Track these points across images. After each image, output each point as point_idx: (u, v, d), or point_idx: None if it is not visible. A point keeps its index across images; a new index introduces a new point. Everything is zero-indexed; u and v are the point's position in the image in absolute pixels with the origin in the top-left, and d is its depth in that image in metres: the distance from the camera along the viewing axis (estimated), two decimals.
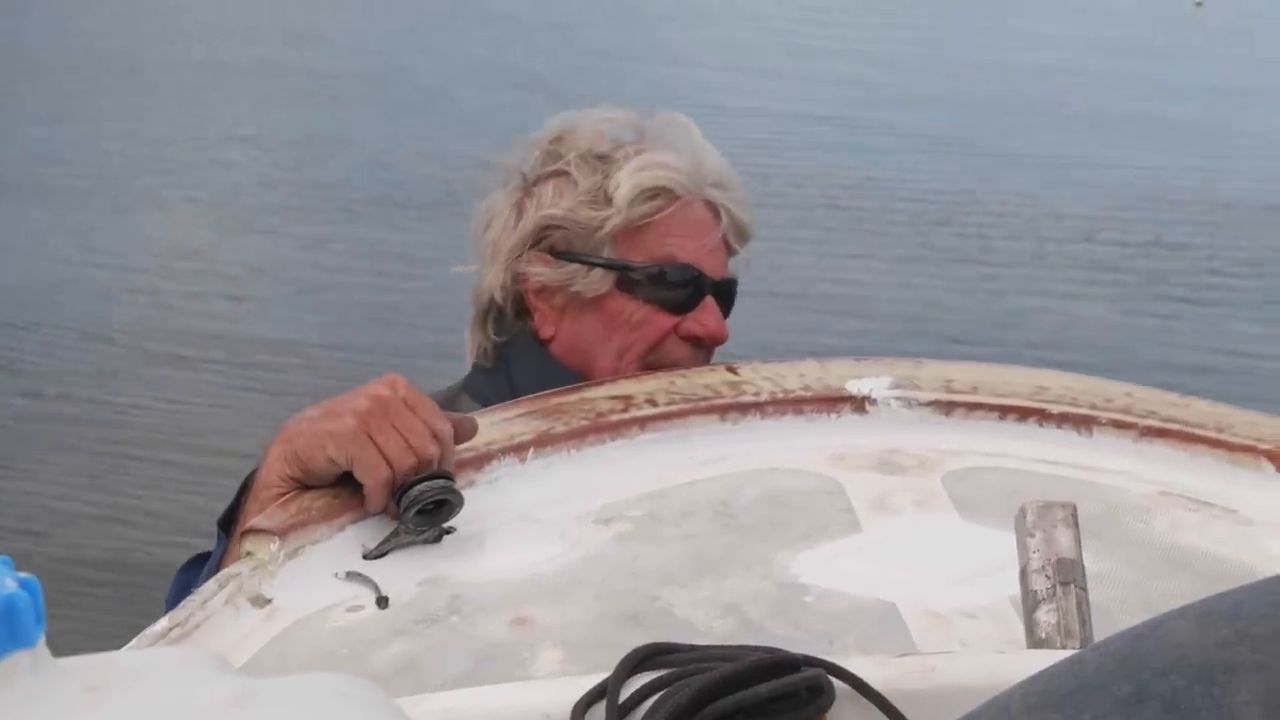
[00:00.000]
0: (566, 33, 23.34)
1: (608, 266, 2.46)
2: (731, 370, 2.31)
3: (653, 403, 2.20)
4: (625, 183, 2.45)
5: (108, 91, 18.80)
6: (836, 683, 1.37)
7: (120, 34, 22.47)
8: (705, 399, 2.21)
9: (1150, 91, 22.51)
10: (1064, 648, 1.44)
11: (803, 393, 2.24)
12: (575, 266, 2.47)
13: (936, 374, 2.30)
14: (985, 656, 1.48)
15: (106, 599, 7.02)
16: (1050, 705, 0.98)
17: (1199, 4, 31.84)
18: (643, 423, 2.16)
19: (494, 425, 2.11)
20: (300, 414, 1.98)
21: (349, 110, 18.24)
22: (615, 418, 2.15)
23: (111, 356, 10.69)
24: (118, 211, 13.82)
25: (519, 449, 2.07)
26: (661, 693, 1.30)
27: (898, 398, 2.24)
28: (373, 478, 1.87)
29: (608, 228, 2.46)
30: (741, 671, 1.32)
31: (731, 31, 25.36)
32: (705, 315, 2.49)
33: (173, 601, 2.10)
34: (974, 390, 2.26)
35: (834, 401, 2.23)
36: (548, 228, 2.49)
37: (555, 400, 2.21)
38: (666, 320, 2.47)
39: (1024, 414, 2.22)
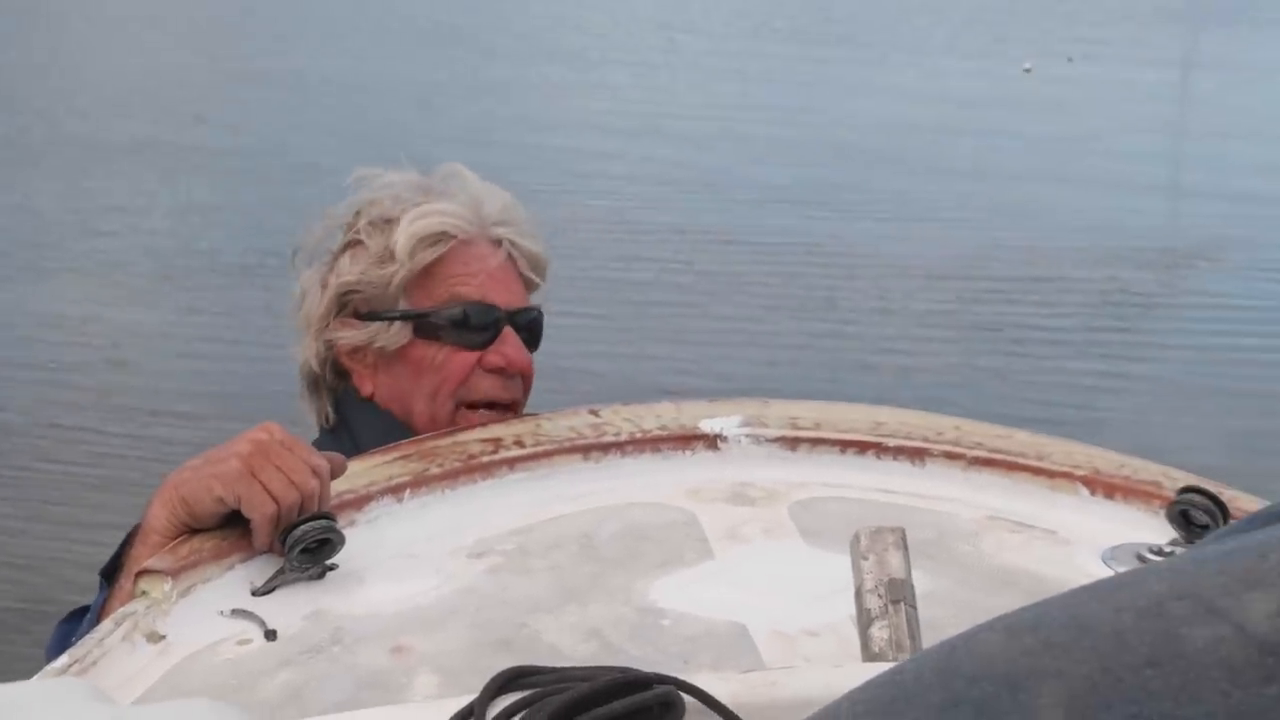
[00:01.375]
0: (430, 108, 23.31)
1: (404, 317, 2.49)
2: (593, 413, 2.32)
3: (520, 444, 2.20)
4: (402, 235, 2.48)
5: (20, 161, 18.65)
6: (687, 698, 1.38)
7: (42, 103, 22.31)
8: (569, 440, 2.22)
9: (984, 147, 22.77)
10: (895, 660, 1.46)
11: (659, 432, 2.25)
12: (377, 324, 2.49)
13: (782, 412, 2.32)
14: (823, 670, 1.49)
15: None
16: (874, 712, 0.99)
17: (1028, 69, 32.24)
18: (511, 463, 2.16)
19: (373, 468, 2.11)
20: (182, 465, 1.98)
21: (223, 181, 18.20)
22: (486, 459, 2.16)
23: (26, 404, 10.61)
24: (25, 281, 13.70)
25: (396, 489, 2.07)
26: (524, 712, 1.31)
27: (747, 435, 2.26)
28: (259, 513, 1.87)
29: (396, 281, 2.49)
30: (598, 690, 1.33)
31: (588, 101, 25.43)
32: (505, 346, 2.51)
33: (54, 651, 2.09)
34: (817, 426, 2.28)
35: (688, 440, 2.25)
36: (347, 293, 2.51)
37: (430, 444, 2.22)
38: (468, 357, 2.49)
39: (863, 447, 2.24)
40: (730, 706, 1.38)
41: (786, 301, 13.75)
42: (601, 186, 17.38)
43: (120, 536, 2.10)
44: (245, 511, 1.88)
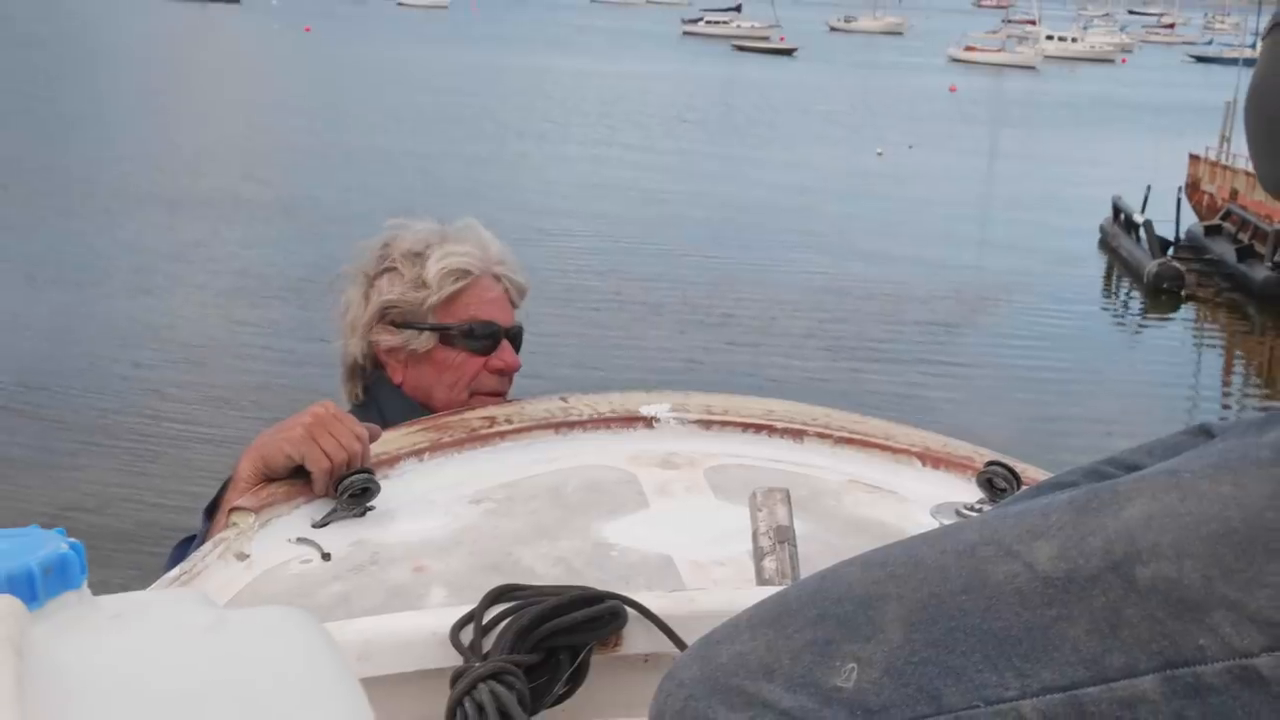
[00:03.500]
0: (428, 174, 23.20)
1: (432, 329, 2.50)
2: (563, 399, 2.31)
3: (509, 421, 2.20)
4: (433, 268, 2.50)
5: (125, 208, 18.51)
6: (629, 610, 1.38)
7: (138, 164, 22.17)
8: (544, 418, 2.21)
9: (845, 210, 22.86)
10: (781, 585, 1.46)
11: (610, 414, 2.25)
12: (410, 332, 2.50)
13: (700, 401, 2.32)
14: (728, 591, 1.49)
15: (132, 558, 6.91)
16: (765, 623, 0.99)
17: (880, 153, 32.33)
18: (502, 434, 2.15)
19: (402, 436, 2.10)
20: (262, 433, 1.99)
21: (275, 228, 18.15)
22: (484, 431, 2.15)
23: (137, 392, 10.53)
24: (127, 296, 13.60)
25: (418, 452, 2.06)
26: (511, 617, 1.31)
27: (675, 417, 2.25)
28: (318, 467, 1.88)
29: (429, 302, 2.50)
30: (564, 602, 1.33)
31: (548, 171, 25.45)
32: (504, 354, 2.54)
33: (170, 565, 2.09)
34: (725, 412, 2.27)
35: (631, 420, 2.24)
36: (387, 308, 2.52)
37: (443, 420, 2.21)
38: (477, 361, 2.51)
39: (758, 428, 2.23)
40: (660, 616, 1.38)
41: (698, 323, 13.80)
42: (556, 236, 17.40)
43: (206, 488, 2.13)
44: (308, 466, 1.89)
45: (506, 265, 2.61)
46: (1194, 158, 26.53)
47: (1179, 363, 15.49)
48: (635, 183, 24.31)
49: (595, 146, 30.41)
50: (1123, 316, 18.77)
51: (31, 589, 0.71)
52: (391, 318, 2.52)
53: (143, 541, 7.34)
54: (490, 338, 2.52)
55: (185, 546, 2.14)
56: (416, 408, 2.46)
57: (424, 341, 2.50)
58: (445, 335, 2.50)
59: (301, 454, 1.90)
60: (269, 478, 1.94)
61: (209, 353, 11.89)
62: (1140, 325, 18.15)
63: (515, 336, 2.58)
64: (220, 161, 23.82)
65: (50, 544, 0.75)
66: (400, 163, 24.52)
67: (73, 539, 0.77)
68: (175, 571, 1.64)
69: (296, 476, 1.92)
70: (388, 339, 2.52)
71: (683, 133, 34.66)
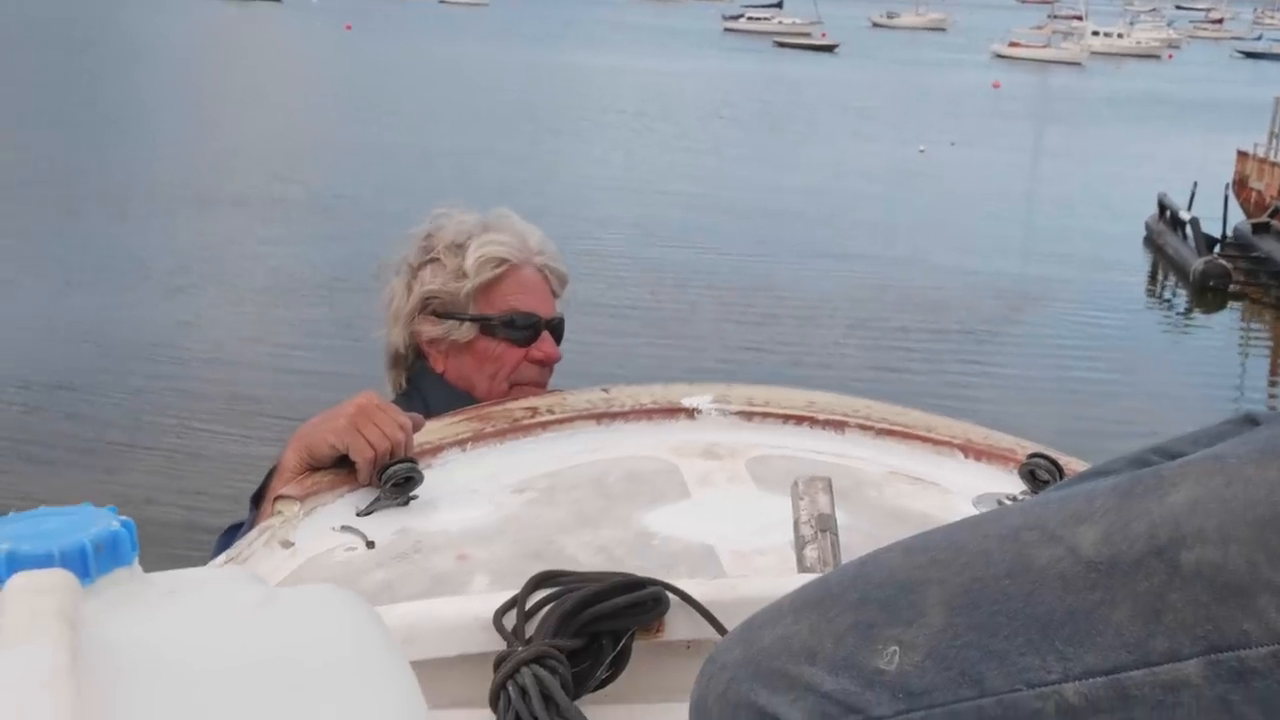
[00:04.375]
0: (465, 170, 23.20)
1: (473, 320, 2.50)
2: (605, 390, 2.32)
3: (551, 412, 2.20)
4: (472, 256, 2.50)
5: (162, 208, 18.65)
6: (671, 596, 1.38)
7: (176, 163, 22.30)
8: (586, 409, 2.22)
9: (889, 207, 22.76)
10: (821, 573, 1.46)
11: (653, 405, 2.25)
12: (451, 322, 2.50)
13: (742, 393, 2.32)
14: (769, 578, 1.50)
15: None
16: (808, 607, 1.00)
17: (922, 150, 32.21)
18: (544, 425, 2.16)
19: (445, 427, 2.12)
20: (307, 421, 2.01)
21: (310, 226, 18.23)
22: (526, 422, 2.16)
23: (172, 393, 10.61)
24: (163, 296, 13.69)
25: (461, 442, 2.08)
26: (554, 602, 1.31)
27: (716, 408, 2.25)
28: (362, 457, 1.90)
29: (466, 290, 2.49)
30: (607, 588, 1.33)
31: (582, 167, 25.45)
32: (544, 345, 2.53)
33: (217, 551, 2.12)
34: (767, 404, 2.27)
35: (673, 411, 2.25)
36: (429, 298, 2.52)
37: (486, 410, 2.22)
38: (518, 352, 2.51)
39: (800, 420, 2.23)
40: (702, 602, 1.38)
41: (736, 322, 13.78)
42: (592, 234, 17.36)
43: (245, 483, 2.16)
44: (352, 455, 1.91)
45: (546, 254, 2.61)
46: (1242, 154, 26.31)
47: (1225, 361, 15.37)
48: (671, 181, 24.28)
49: (632, 144, 30.39)
50: (1168, 315, 18.64)
51: (84, 565, 0.72)
52: (433, 308, 2.53)
53: (179, 538, 7.40)
54: (530, 328, 2.52)
55: (232, 534, 2.16)
56: (460, 397, 2.46)
57: (465, 332, 2.51)
58: (486, 326, 2.50)
59: (346, 443, 1.92)
60: (313, 467, 1.96)
61: (243, 351, 11.94)
62: (1186, 324, 18.01)
63: (556, 328, 2.58)
64: (256, 160, 23.96)
65: (102, 521, 0.76)
66: (436, 161, 24.58)
67: (124, 517, 0.78)
68: (221, 558, 1.67)
69: (341, 466, 1.94)
70: (430, 329, 2.53)
71: (718, 129, 34.58)
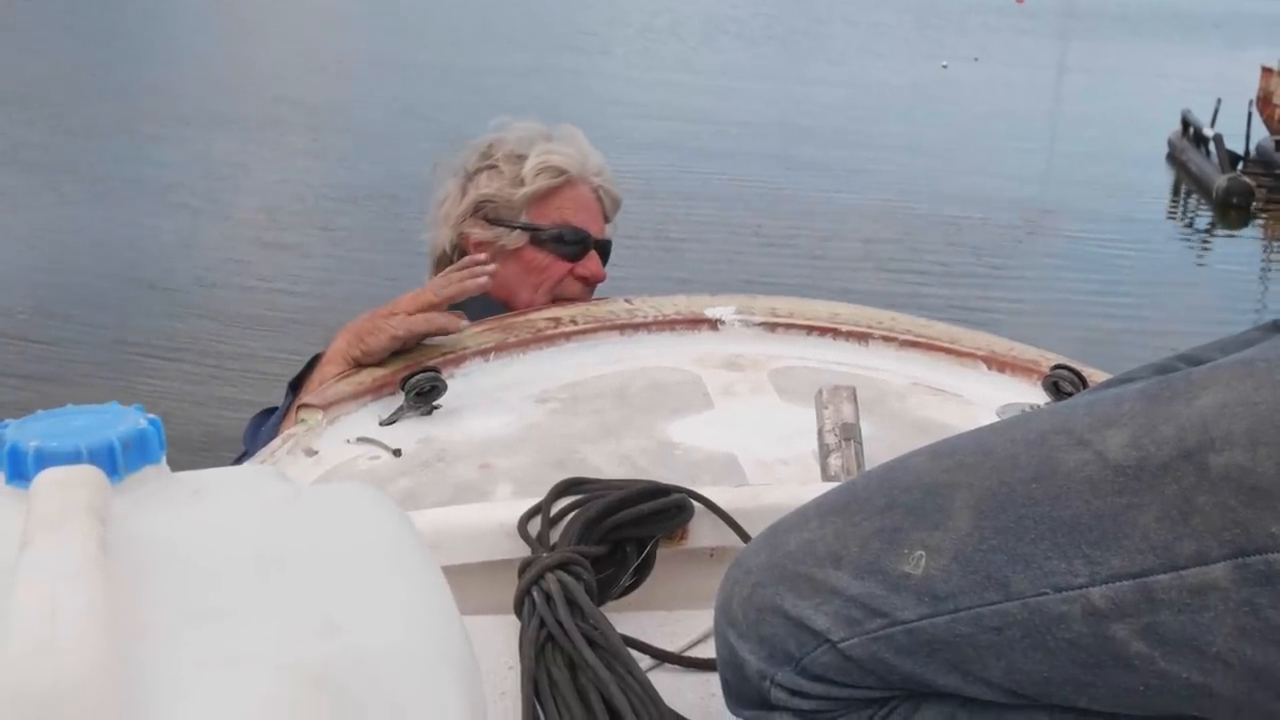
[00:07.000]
0: (479, 88, 22.95)
1: (524, 228, 2.46)
2: (628, 301, 2.32)
3: (574, 322, 2.20)
4: (531, 161, 2.46)
5: (181, 126, 18.57)
6: (695, 504, 1.38)
7: (215, 93, 22.16)
8: (609, 320, 2.22)
9: (911, 123, 22.59)
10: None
11: (675, 316, 2.25)
12: (501, 229, 2.47)
13: (765, 304, 2.31)
14: (793, 487, 1.49)
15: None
16: (833, 511, 0.99)
17: (945, 66, 31.90)
18: (568, 335, 2.16)
19: (468, 336, 2.12)
20: (364, 315, 2.08)
21: (359, 139, 18.14)
22: (549, 332, 2.16)
23: (211, 298, 10.63)
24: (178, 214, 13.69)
25: (484, 352, 2.08)
26: (578, 509, 1.32)
27: (739, 319, 2.25)
28: (442, 294, 2.09)
29: (520, 197, 2.46)
30: (631, 495, 1.33)
31: (595, 83, 25.22)
32: (590, 263, 2.49)
33: (249, 435, 2.14)
34: (790, 315, 2.27)
35: (696, 322, 2.24)
36: (483, 203, 2.48)
37: (509, 320, 2.22)
38: (564, 266, 2.47)
39: (823, 331, 2.23)
40: (726, 510, 1.38)
41: (763, 231, 13.72)
42: (604, 148, 17.26)
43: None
44: (432, 298, 2.07)
45: (603, 176, 2.57)
46: (1266, 70, 25.98)
47: (1247, 278, 15.27)
48: (685, 98, 24.07)
49: (640, 59, 30.10)
50: (1190, 232, 18.50)
51: (112, 462, 0.72)
52: (486, 213, 2.49)
53: (204, 447, 7.44)
54: (579, 244, 2.47)
55: (264, 418, 2.17)
56: (498, 306, 2.44)
57: (514, 240, 2.47)
58: (535, 236, 2.47)
59: (408, 328, 2.02)
60: (360, 363, 1.97)
61: (268, 269, 11.93)
62: (1208, 240, 17.88)
63: (604, 249, 2.54)
64: (258, 81, 23.78)
65: (129, 419, 0.76)
66: (449, 78, 24.38)
67: (151, 415, 0.78)
68: (246, 465, 1.67)
69: (388, 363, 1.98)
70: (479, 233, 2.49)
71: (730, 45, 34.22)
